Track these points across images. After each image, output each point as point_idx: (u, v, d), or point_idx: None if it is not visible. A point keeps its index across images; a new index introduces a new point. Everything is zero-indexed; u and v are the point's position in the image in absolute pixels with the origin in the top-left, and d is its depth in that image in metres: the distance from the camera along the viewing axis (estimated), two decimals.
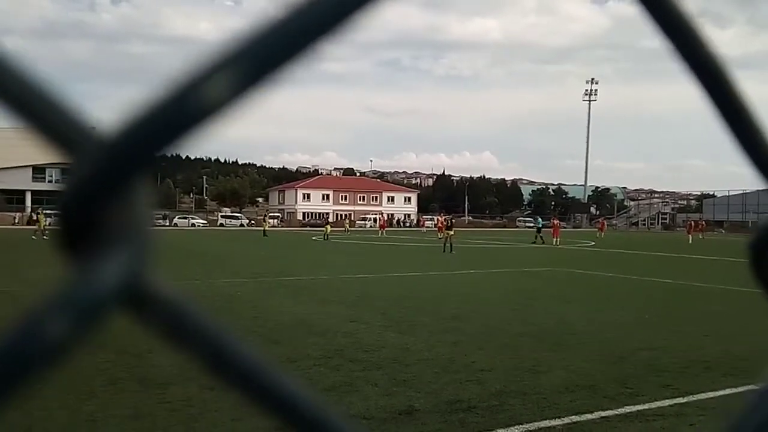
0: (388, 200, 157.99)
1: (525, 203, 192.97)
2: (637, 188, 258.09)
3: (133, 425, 8.56)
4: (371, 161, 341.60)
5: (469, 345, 13.53)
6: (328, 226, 73.00)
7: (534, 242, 61.88)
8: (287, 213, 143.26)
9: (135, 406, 9.20)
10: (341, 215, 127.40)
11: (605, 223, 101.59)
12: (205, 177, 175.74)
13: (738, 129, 0.73)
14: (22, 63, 0.43)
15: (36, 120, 0.43)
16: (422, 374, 11.19)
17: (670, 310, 19.17)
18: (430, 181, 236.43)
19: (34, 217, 64.11)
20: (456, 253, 43.81)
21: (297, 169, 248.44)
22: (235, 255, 40.83)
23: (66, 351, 0.42)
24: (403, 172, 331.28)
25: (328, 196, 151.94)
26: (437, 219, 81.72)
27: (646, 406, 9.60)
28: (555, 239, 61.78)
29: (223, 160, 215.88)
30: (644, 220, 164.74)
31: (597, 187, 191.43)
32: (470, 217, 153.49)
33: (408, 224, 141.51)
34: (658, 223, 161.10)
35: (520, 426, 8.68)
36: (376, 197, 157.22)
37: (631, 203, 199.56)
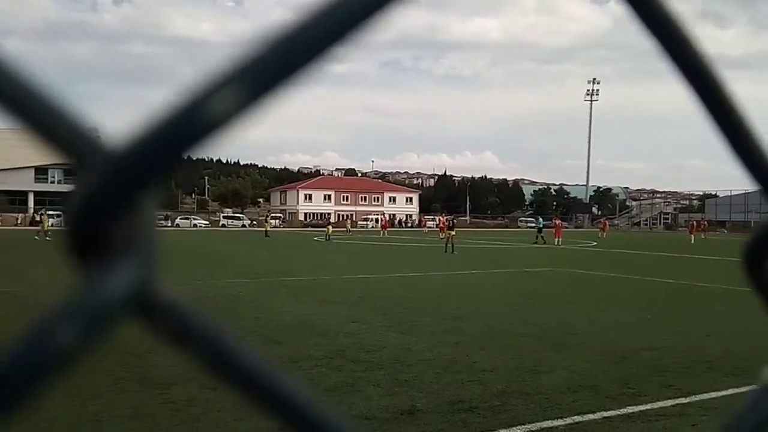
0: (390, 200, 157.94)
1: (527, 203, 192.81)
2: (639, 188, 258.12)
3: (136, 425, 8.57)
4: (373, 161, 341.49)
5: (471, 345, 13.53)
6: (330, 227, 73.13)
7: (535, 242, 61.87)
8: (289, 213, 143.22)
9: (137, 406, 9.22)
10: (343, 216, 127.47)
11: (607, 223, 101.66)
12: (207, 177, 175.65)
13: (727, 130, 0.74)
14: (30, 72, 0.43)
15: (45, 131, 0.44)
16: (424, 374, 11.20)
17: (673, 310, 19.17)
18: (432, 182, 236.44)
19: (37, 218, 64.15)
20: (457, 254, 43.81)
21: (298, 170, 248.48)
22: (237, 256, 40.86)
23: (76, 358, 0.43)
24: (405, 172, 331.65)
25: (329, 196, 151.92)
26: (439, 219, 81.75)
27: (648, 407, 9.60)
28: (557, 239, 61.77)
29: (224, 161, 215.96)
30: (646, 220, 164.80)
31: (599, 187, 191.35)
32: (472, 218, 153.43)
33: (410, 224, 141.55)
34: (660, 223, 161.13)
35: (522, 426, 8.68)
36: (378, 197, 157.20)
37: (633, 203, 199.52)
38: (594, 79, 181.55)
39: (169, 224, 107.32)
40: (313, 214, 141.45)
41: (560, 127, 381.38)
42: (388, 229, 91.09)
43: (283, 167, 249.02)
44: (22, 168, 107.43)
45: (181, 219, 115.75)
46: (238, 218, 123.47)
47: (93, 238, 0.44)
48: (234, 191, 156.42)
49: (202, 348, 0.49)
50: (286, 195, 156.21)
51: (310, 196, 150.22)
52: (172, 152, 0.44)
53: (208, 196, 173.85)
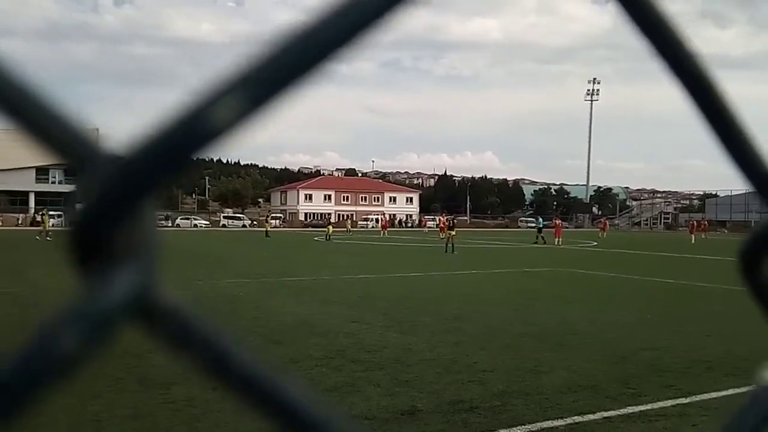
0: (390, 200, 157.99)
1: (527, 203, 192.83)
2: (640, 188, 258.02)
3: (136, 425, 8.58)
4: (373, 161, 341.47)
5: (471, 345, 13.53)
6: (330, 227, 73.16)
7: (535, 242, 61.87)
8: (289, 213, 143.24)
9: (137, 406, 9.22)
10: (343, 216, 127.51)
11: (607, 223, 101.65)
12: (207, 178, 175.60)
13: (719, 130, 0.74)
14: (29, 76, 0.44)
15: (46, 136, 0.44)
16: (424, 374, 11.20)
17: (673, 310, 19.17)
18: (432, 182, 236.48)
19: (38, 219, 64.20)
20: (458, 254, 43.82)
21: (299, 170, 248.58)
22: (238, 256, 40.88)
23: (78, 363, 0.43)
24: (405, 172, 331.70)
25: (329, 196, 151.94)
26: (439, 219, 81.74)
27: (648, 407, 9.61)
28: (557, 239, 61.77)
29: (225, 161, 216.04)
30: (646, 220, 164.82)
31: (599, 187, 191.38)
32: (472, 218, 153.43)
33: (410, 224, 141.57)
34: (660, 223, 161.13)
35: (523, 426, 8.69)
36: (378, 197, 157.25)
37: (634, 203, 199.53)
38: (594, 79, 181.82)
39: (170, 224, 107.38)
40: (314, 214, 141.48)
41: (560, 127, 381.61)
42: (388, 229, 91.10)
43: (283, 167, 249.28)
44: (23, 168, 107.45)
45: (181, 219, 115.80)
46: (239, 218, 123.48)
47: (95, 244, 0.44)
48: (234, 191, 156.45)
49: (202, 353, 0.49)
50: (286, 195, 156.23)
51: (311, 196, 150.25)
52: (174, 159, 0.45)
53: (208, 196, 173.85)
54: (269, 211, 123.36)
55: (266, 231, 75.76)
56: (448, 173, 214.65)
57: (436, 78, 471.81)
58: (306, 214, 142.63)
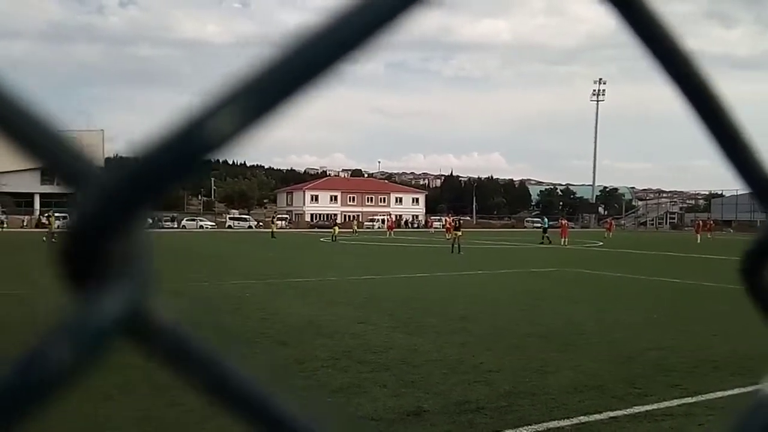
0: (396, 201, 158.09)
1: (533, 204, 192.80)
2: (645, 188, 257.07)
3: (145, 428, 8.59)
4: (379, 162, 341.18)
5: (478, 346, 13.52)
6: (336, 228, 73.13)
7: (541, 242, 61.84)
8: (295, 214, 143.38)
9: (146, 408, 9.23)
10: (349, 216, 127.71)
11: (613, 223, 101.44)
12: (213, 179, 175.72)
13: (715, 133, 0.74)
14: (25, 97, 0.43)
15: (41, 155, 0.44)
16: (430, 375, 11.20)
17: (679, 310, 19.15)
18: (438, 182, 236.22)
19: (43, 220, 64.25)
20: (464, 254, 43.80)
21: (305, 171, 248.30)
22: (244, 257, 40.90)
23: (71, 379, 0.43)
24: (411, 173, 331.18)
25: (336, 197, 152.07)
26: (445, 220, 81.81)
27: (654, 406, 9.60)
28: (563, 239, 61.71)
29: (231, 162, 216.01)
30: (652, 220, 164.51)
31: (605, 187, 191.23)
32: (478, 218, 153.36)
33: (416, 225, 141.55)
34: (666, 223, 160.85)
35: (529, 427, 8.68)
36: (384, 198, 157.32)
37: (639, 203, 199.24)
38: (600, 79, 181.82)
39: (176, 226, 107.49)
40: (320, 215, 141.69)
41: (568, 128, 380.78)
42: (394, 229, 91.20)
43: (289, 168, 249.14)
44: (28, 170, 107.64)
45: (187, 220, 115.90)
46: (245, 219, 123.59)
47: (88, 259, 0.44)
48: (240, 192, 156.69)
49: (197, 370, 0.49)
50: (292, 196, 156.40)
51: (317, 197, 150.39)
52: (171, 172, 0.44)
53: (214, 197, 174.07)
54: (275, 212, 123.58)
55: (272, 232, 75.92)
56: (454, 174, 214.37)
57: (445, 79, 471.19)
58: (312, 215, 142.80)
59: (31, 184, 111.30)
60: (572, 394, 10.13)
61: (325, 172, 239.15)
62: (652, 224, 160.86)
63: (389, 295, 21.78)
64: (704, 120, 0.73)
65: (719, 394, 10.20)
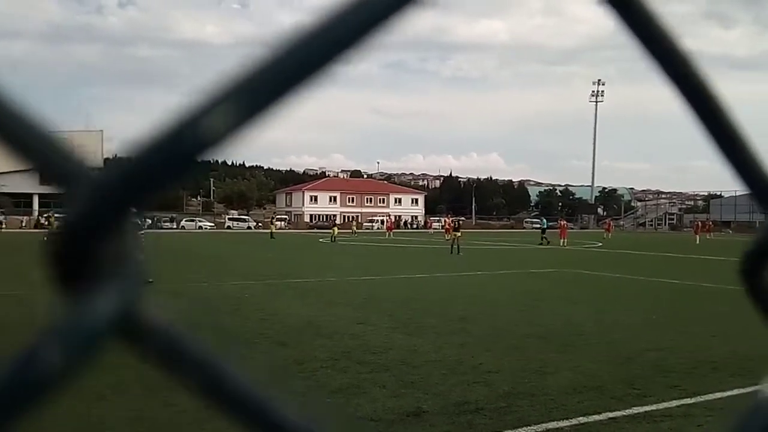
0: (395, 202, 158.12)
1: (532, 204, 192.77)
2: (644, 189, 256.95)
3: (139, 428, 8.59)
4: (378, 163, 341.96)
5: (477, 346, 13.53)
6: (335, 228, 73.13)
7: (540, 243, 61.88)
8: (294, 215, 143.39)
9: (140, 409, 9.23)
10: (348, 217, 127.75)
11: (612, 223, 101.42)
12: (212, 179, 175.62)
13: (714, 134, 0.74)
14: (15, 98, 0.43)
15: (33, 156, 0.44)
16: (430, 376, 11.20)
17: (678, 311, 19.15)
18: (437, 183, 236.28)
19: (42, 221, 64.21)
20: (463, 255, 43.79)
21: (304, 172, 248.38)
22: (243, 257, 40.91)
23: (62, 381, 0.43)
24: (410, 173, 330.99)
25: (335, 198, 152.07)
26: (444, 220, 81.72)
27: (653, 407, 9.60)
28: (562, 240, 61.71)
29: (230, 163, 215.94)
30: (651, 221, 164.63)
31: (604, 188, 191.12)
32: (477, 219, 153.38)
33: (415, 226, 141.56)
34: (665, 224, 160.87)
35: (528, 427, 8.69)
36: (383, 199, 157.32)
37: (638, 204, 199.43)
38: (599, 80, 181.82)
39: (175, 226, 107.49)
40: (319, 215, 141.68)
41: (566, 128, 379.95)
42: (393, 230, 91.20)
43: (288, 169, 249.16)
44: (26, 171, 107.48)
45: (186, 221, 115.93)
46: (244, 220, 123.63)
47: (79, 260, 0.44)
48: (239, 193, 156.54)
49: (190, 371, 0.49)
50: (291, 197, 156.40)
51: (316, 197, 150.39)
52: (164, 172, 0.44)
53: (213, 198, 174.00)
54: (274, 212, 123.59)
55: (271, 233, 76.01)
56: (453, 174, 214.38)
57: (443, 79, 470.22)
58: (311, 215, 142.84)
59: (30, 184, 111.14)
60: (571, 395, 10.14)
61: (324, 172, 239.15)
62: (651, 225, 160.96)
63: (388, 295, 21.78)
64: (703, 120, 0.73)
65: (718, 395, 10.21)
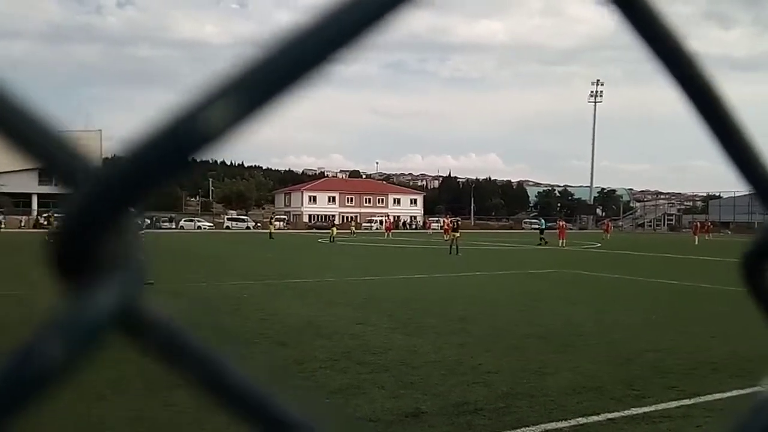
0: (394, 202, 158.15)
1: (531, 205, 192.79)
2: (643, 189, 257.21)
3: (139, 428, 8.58)
4: (377, 163, 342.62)
5: (476, 347, 13.52)
6: (334, 229, 73.16)
7: (539, 244, 61.89)
8: (293, 215, 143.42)
9: (140, 408, 9.22)
10: (347, 217, 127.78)
11: (611, 224, 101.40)
12: (211, 179, 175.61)
13: (718, 133, 0.74)
14: (17, 92, 0.43)
15: (33, 149, 0.44)
16: (429, 376, 11.20)
17: (677, 312, 19.15)
18: (436, 183, 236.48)
19: (41, 221, 64.17)
20: (462, 255, 43.79)
21: (303, 172, 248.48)
22: (242, 257, 40.91)
23: (63, 375, 0.43)
24: (409, 174, 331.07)
25: (334, 198, 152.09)
26: (443, 221, 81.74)
27: (652, 408, 9.60)
28: (561, 241, 61.70)
29: (228, 163, 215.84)
30: (650, 222, 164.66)
31: (603, 189, 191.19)
32: (476, 219, 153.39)
33: (414, 226, 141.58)
34: (664, 225, 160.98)
35: (527, 428, 8.68)
36: (382, 199, 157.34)
37: (637, 204, 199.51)
38: (598, 80, 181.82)
39: (173, 226, 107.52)
40: (318, 216, 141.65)
41: (566, 129, 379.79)
42: (392, 230, 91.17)
43: (287, 169, 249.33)
44: (25, 170, 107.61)
45: (185, 221, 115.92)
46: (243, 220, 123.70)
47: (79, 255, 0.44)
48: (238, 193, 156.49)
49: (189, 365, 0.49)
50: (290, 197, 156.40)
51: (315, 198, 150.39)
52: (162, 168, 0.44)
53: (212, 198, 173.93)
54: (273, 212, 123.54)
55: (270, 233, 76.04)
56: (452, 175, 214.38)
57: (442, 80, 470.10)
58: (310, 215, 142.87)
59: (29, 184, 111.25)
60: (570, 396, 10.13)
61: (323, 172, 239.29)
62: (650, 226, 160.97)
63: (388, 296, 21.78)
64: (707, 120, 0.72)
65: (717, 396, 10.20)
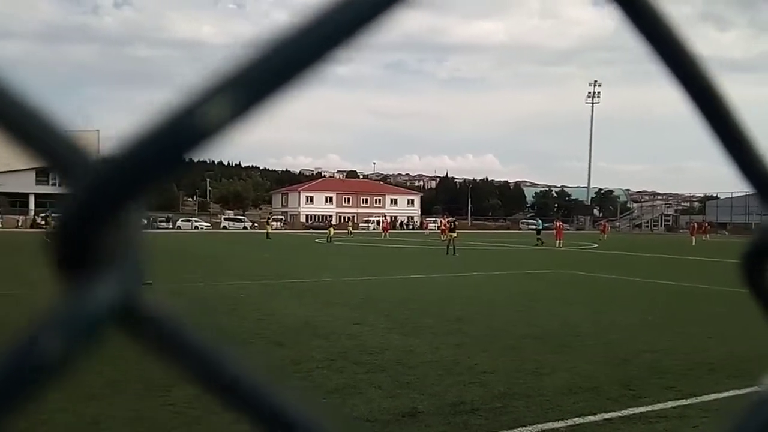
0: (391, 202, 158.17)
1: (528, 205, 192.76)
2: (640, 190, 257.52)
3: (136, 427, 8.58)
4: (374, 164, 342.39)
5: (473, 347, 13.53)
6: (331, 229, 73.20)
7: (536, 244, 61.90)
8: (290, 215, 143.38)
9: (137, 408, 9.22)
10: (344, 218, 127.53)
11: (608, 225, 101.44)
12: (208, 179, 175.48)
13: (720, 133, 0.74)
14: (16, 85, 0.43)
15: (33, 144, 0.44)
16: (426, 376, 11.20)
17: (674, 312, 19.16)
18: (433, 184, 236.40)
19: (38, 220, 64.11)
20: (459, 256, 43.80)
21: (300, 172, 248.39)
22: (239, 258, 40.89)
23: (62, 368, 0.43)
24: (406, 174, 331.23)
25: (331, 198, 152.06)
26: (440, 221, 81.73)
27: (649, 408, 9.60)
28: (558, 241, 61.74)
29: (226, 163, 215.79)
30: (647, 222, 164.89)
31: (600, 189, 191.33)
32: (473, 220, 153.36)
33: (411, 227, 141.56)
34: (661, 225, 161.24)
35: (524, 428, 8.68)
36: (379, 200, 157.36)
37: (634, 205, 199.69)
38: (595, 81, 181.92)
39: (170, 226, 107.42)
40: (315, 216, 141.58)
41: (563, 129, 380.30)
42: (389, 231, 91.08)
43: (284, 169, 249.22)
44: (22, 170, 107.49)
45: (182, 221, 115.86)
46: (240, 220, 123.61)
47: (79, 248, 0.44)
48: (235, 193, 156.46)
49: (188, 360, 0.49)
50: (287, 197, 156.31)
51: (312, 198, 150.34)
52: (161, 163, 0.44)
53: (209, 198, 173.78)
54: (270, 213, 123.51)
55: (267, 233, 75.92)
56: (449, 175, 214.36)
57: (440, 80, 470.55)
58: (307, 216, 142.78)
59: (27, 184, 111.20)
60: (567, 396, 10.14)
61: (320, 173, 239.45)
62: (647, 226, 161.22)
63: (385, 296, 21.78)
64: (710, 120, 0.72)
65: (714, 396, 10.21)
